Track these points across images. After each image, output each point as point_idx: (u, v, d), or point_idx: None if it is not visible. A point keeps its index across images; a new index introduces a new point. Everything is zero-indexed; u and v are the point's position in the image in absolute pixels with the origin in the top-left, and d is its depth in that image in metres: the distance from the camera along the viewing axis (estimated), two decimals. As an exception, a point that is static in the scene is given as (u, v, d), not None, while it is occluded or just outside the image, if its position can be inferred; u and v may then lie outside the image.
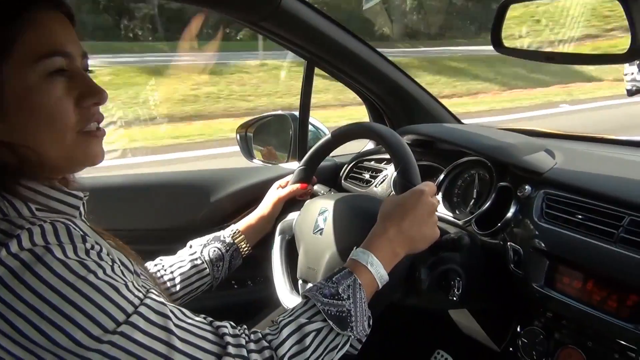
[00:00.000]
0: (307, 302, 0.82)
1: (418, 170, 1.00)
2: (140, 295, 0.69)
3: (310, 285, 1.11)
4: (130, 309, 0.66)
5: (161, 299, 0.71)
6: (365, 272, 0.86)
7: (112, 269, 0.69)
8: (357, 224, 1.03)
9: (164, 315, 0.69)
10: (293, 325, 0.78)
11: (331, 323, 0.79)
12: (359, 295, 0.82)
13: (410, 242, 0.92)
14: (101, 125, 0.79)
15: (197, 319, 0.74)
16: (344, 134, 1.22)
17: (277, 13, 1.29)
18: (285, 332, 0.77)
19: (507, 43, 0.87)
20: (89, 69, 0.79)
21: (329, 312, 0.79)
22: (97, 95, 0.76)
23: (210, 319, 0.76)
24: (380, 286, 0.87)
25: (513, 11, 0.88)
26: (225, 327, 0.75)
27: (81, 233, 0.69)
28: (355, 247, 0.91)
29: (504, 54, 0.87)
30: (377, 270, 0.87)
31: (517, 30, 0.94)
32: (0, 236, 0.64)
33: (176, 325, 0.69)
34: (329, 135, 1.24)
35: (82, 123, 0.75)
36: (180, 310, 0.73)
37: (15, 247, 0.63)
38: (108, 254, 0.71)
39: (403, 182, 0.99)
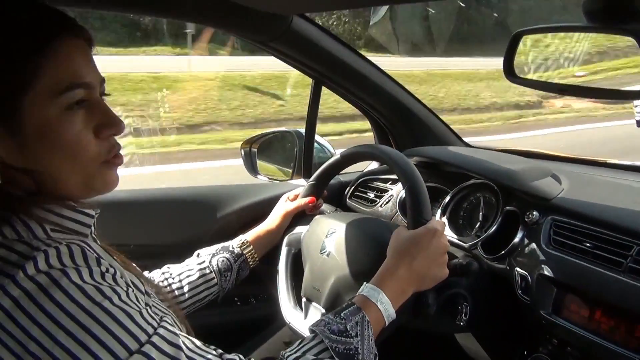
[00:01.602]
0: (315, 337, 0.81)
1: (430, 204, 1.00)
2: (154, 323, 0.69)
3: (314, 304, 1.12)
4: (143, 338, 0.66)
5: (174, 329, 0.71)
6: (374, 310, 0.86)
7: (127, 295, 0.69)
8: (365, 250, 1.04)
9: (176, 346, 0.68)
10: None
11: None
12: (366, 333, 0.82)
13: (419, 281, 0.93)
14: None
15: (207, 350, 0.73)
16: (355, 155, 1.22)
17: (287, 33, 1.30)
18: None
19: (520, 73, 0.88)
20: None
21: (337, 349, 0.79)
22: (115, 126, 0.75)
23: (220, 351, 0.75)
24: (387, 324, 0.88)
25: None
26: None
27: (95, 255, 0.68)
28: (365, 282, 0.91)
29: (516, 84, 0.88)
30: (386, 308, 0.87)
31: (522, 44, 0.94)
32: (16, 257, 0.64)
33: (187, 357, 0.69)
34: (338, 155, 1.25)
35: (104, 154, 0.75)
36: (191, 340, 0.72)
37: (31, 270, 0.62)
38: (122, 277, 0.71)
39: (415, 217, 0.98)
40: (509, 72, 0.88)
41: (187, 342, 0.71)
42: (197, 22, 1.30)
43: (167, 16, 1.30)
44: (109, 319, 0.64)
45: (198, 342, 0.73)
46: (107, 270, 0.69)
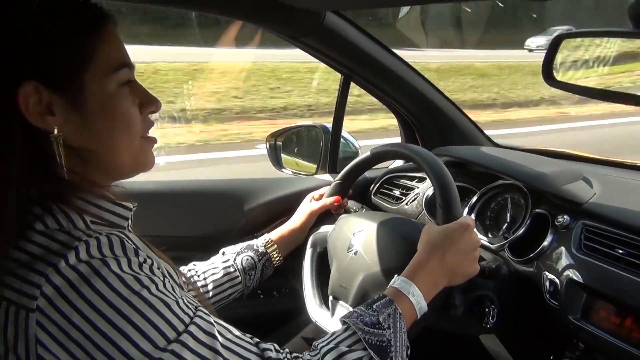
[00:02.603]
0: (347, 328, 0.82)
1: (460, 201, 1.00)
2: (190, 313, 0.70)
3: (341, 302, 1.12)
4: (181, 327, 0.68)
5: (210, 318, 0.72)
6: (406, 302, 0.86)
7: (164, 285, 0.70)
8: (395, 248, 1.04)
9: (212, 335, 0.70)
10: (334, 353, 0.78)
11: (372, 353, 0.79)
12: (399, 325, 0.83)
13: (451, 275, 0.93)
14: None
15: (243, 338, 0.74)
16: (384, 154, 1.22)
17: (320, 29, 1.30)
18: (327, 359, 0.78)
19: (559, 76, 0.87)
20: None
21: (370, 341, 0.79)
22: (155, 104, 0.82)
23: (257, 339, 0.76)
24: (419, 317, 0.88)
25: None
26: (270, 350, 0.75)
27: (134, 247, 0.70)
28: (396, 275, 0.91)
29: (555, 87, 0.87)
30: (418, 301, 0.87)
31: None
32: (58, 247, 0.66)
33: (223, 346, 0.70)
34: (368, 153, 1.25)
35: (145, 130, 0.81)
36: (227, 328, 0.74)
37: (73, 259, 0.64)
38: (158, 268, 0.73)
39: (445, 213, 0.98)
40: (548, 75, 0.87)
41: (224, 330, 0.73)
42: (229, 15, 1.31)
43: (198, 9, 1.30)
44: (148, 307, 0.66)
45: (234, 330, 0.75)
46: (145, 261, 0.70)
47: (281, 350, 0.77)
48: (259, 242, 1.26)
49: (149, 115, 0.83)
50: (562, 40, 0.86)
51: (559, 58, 0.90)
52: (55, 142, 0.71)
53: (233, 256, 1.23)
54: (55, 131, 0.71)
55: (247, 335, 0.76)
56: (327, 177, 1.62)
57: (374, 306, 0.84)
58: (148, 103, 0.81)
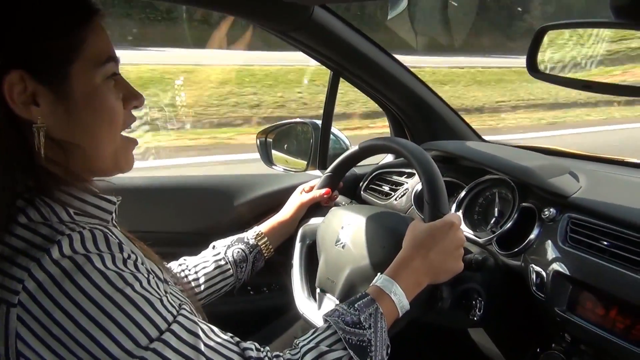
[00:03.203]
0: (329, 327, 0.82)
1: (447, 198, 1.00)
2: (174, 311, 0.70)
3: (328, 295, 1.12)
4: (163, 325, 0.67)
5: (192, 317, 0.72)
6: (388, 301, 0.86)
7: (148, 282, 0.70)
8: (381, 243, 1.04)
9: (195, 334, 0.70)
10: (314, 352, 0.78)
11: (351, 352, 0.79)
12: (380, 325, 0.83)
13: (434, 273, 0.93)
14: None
15: (225, 337, 0.74)
16: (373, 148, 1.22)
17: (308, 24, 1.30)
18: (307, 359, 0.78)
19: (543, 68, 0.88)
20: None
21: (350, 340, 0.80)
22: (138, 99, 0.81)
23: (237, 339, 0.76)
24: (400, 315, 0.88)
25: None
26: (251, 349, 0.75)
27: (118, 241, 0.70)
28: (379, 273, 0.91)
29: (539, 79, 0.87)
30: (400, 300, 0.87)
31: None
32: (41, 240, 0.66)
33: (205, 345, 0.70)
34: (357, 147, 1.25)
35: (126, 125, 0.81)
36: (209, 327, 0.74)
37: (56, 254, 0.64)
38: (142, 264, 0.72)
39: (432, 210, 0.98)
40: (532, 67, 0.88)
41: (206, 329, 0.73)
42: (218, 10, 1.31)
43: (189, 3, 1.30)
44: (131, 305, 0.65)
45: (216, 330, 0.75)
46: (129, 257, 0.70)
47: (261, 349, 0.77)
48: (250, 235, 1.26)
49: (132, 111, 0.82)
50: (546, 32, 0.87)
51: (546, 50, 0.91)
52: (37, 133, 0.70)
53: (224, 249, 1.22)
54: (38, 121, 0.70)
55: (228, 334, 0.76)
56: (317, 173, 1.62)
57: (356, 305, 0.84)
58: (131, 98, 0.81)
